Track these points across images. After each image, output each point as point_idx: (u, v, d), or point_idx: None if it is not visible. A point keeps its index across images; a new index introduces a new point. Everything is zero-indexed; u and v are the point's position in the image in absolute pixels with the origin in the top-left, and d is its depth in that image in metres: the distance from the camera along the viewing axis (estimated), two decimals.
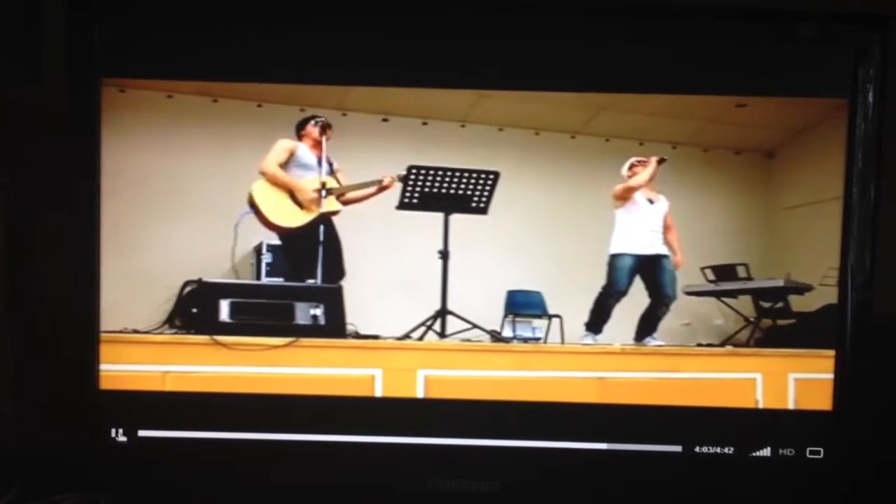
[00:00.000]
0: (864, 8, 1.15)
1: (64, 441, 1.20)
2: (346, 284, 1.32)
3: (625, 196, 1.41)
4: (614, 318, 1.40)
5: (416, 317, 1.34)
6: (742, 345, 1.33)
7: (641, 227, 1.43)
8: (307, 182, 1.40)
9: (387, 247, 1.35)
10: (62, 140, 1.17)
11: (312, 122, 1.32)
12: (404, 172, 1.34)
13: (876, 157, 1.16)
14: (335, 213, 1.38)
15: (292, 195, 1.40)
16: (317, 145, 1.37)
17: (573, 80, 1.19)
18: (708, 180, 1.37)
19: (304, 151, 1.39)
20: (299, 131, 1.33)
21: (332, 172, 1.39)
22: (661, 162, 1.35)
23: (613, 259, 1.40)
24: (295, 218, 1.40)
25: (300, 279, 1.38)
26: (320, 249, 1.37)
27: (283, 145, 1.36)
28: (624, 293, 1.43)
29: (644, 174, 1.37)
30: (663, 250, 1.43)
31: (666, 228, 1.40)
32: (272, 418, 1.20)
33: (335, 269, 1.35)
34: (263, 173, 1.34)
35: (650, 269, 1.44)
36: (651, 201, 1.42)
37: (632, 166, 1.35)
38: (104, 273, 1.18)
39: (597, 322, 1.39)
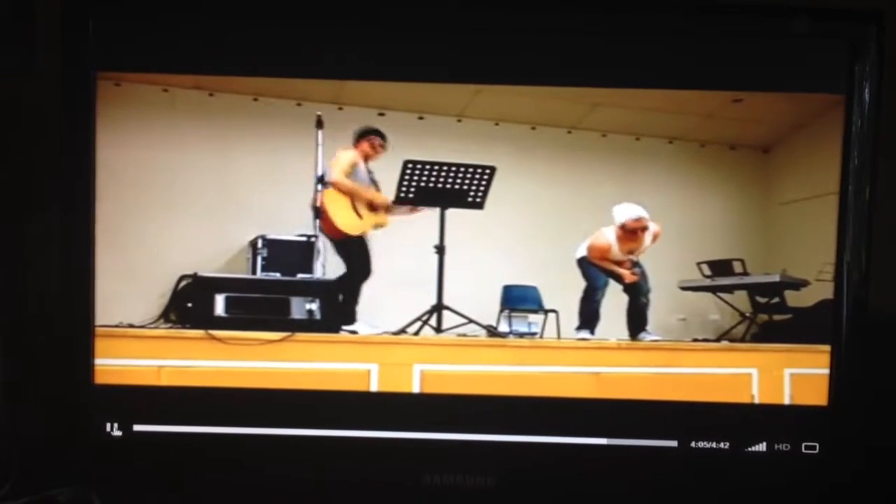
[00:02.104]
0: (860, 4, 1.15)
1: (59, 436, 1.20)
2: None
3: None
4: (609, 314, 1.41)
5: (412, 312, 1.34)
6: (738, 340, 1.33)
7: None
8: (366, 194, 1.41)
9: (383, 242, 1.35)
10: (57, 134, 1.16)
11: (368, 139, 1.32)
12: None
13: (872, 153, 1.16)
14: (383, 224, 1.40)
15: (353, 202, 1.41)
16: (366, 159, 1.38)
17: (570, 75, 1.19)
18: (704, 175, 1.37)
19: (362, 165, 1.40)
20: (355, 141, 1.33)
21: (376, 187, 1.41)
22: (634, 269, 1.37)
23: (582, 261, 1.41)
24: (356, 226, 1.41)
25: (355, 283, 1.39)
26: (318, 244, 1.39)
27: (348, 157, 1.38)
28: (606, 285, 1.43)
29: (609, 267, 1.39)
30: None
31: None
32: (268, 413, 1.20)
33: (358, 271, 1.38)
34: (333, 183, 1.37)
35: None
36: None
37: (623, 227, 1.35)
38: (99, 267, 1.18)
39: (588, 322, 1.40)
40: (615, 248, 1.41)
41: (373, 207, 1.41)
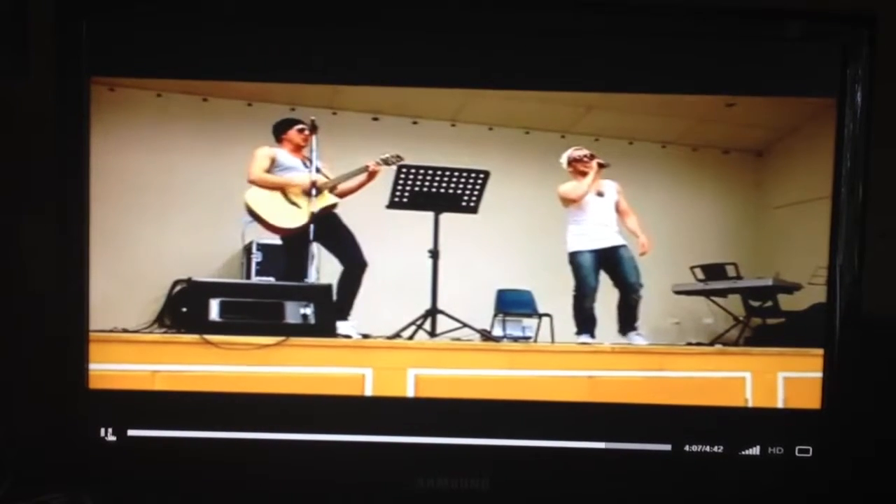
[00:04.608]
0: (852, 7, 1.15)
1: (53, 440, 1.20)
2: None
3: (567, 202, 1.42)
4: (603, 316, 1.41)
5: (406, 316, 1.34)
6: (731, 344, 1.33)
7: (590, 223, 1.44)
8: (298, 178, 1.40)
9: (377, 246, 1.35)
10: (51, 138, 1.16)
11: (296, 127, 1.32)
12: (388, 155, 1.34)
13: (864, 156, 1.16)
14: (333, 206, 1.37)
15: (285, 195, 1.40)
16: (297, 149, 1.38)
17: (563, 79, 1.19)
18: (697, 179, 1.38)
19: (285, 156, 1.38)
20: (278, 135, 1.33)
21: (317, 170, 1.39)
22: (602, 167, 1.36)
23: (573, 257, 1.41)
24: (296, 217, 1.40)
25: (298, 279, 1.38)
26: (311, 249, 1.38)
27: (265, 153, 1.35)
28: (595, 290, 1.44)
29: (581, 186, 1.39)
30: (618, 241, 1.43)
31: (622, 215, 1.41)
32: (262, 417, 1.20)
33: (354, 261, 1.35)
34: (253, 181, 1.35)
35: (609, 261, 1.45)
36: (600, 194, 1.42)
37: (570, 161, 1.36)
38: (93, 272, 1.18)
39: (585, 326, 1.40)
40: (575, 185, 1.41)
41: (310, 192, 1.40)
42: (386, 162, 1.34)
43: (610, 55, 1.18)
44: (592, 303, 1.42)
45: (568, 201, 1.41)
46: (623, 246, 1.43)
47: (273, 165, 1.38)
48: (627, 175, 1.35)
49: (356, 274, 1.35)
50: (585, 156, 1.36)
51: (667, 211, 1.34)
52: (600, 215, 1.43)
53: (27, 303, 1.31)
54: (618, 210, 1.41)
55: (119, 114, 1.19)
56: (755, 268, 1.28)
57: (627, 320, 1.38)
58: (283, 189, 1.40)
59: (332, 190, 1.39)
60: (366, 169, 1.38)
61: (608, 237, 1.45)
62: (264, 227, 1.37)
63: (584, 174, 1.39)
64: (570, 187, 1.40)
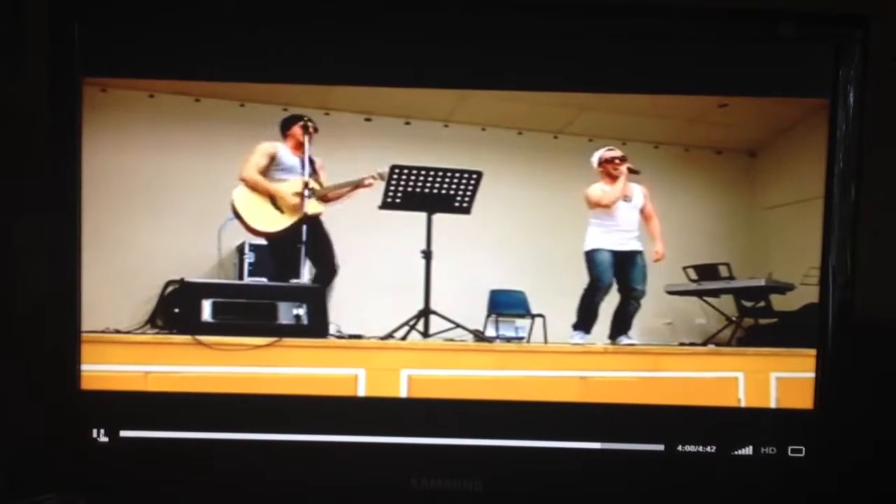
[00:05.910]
0: (845, 8, 1.15)
1: (45, 441, 1.20)
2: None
3: (595, 206, 1.42)
4: (601, 316, 1.41)
5: (399, 316, 1.34)
6: (724, 344, 1.33)
7: (614, 226, 1.44)
8: (288, 187, 1.40)
9: (370, 247, 1.35)
10: (44, 139, 1.16)
11: (300, 123, 1.32)
12: (385, 170, 1.34)
13: (856, 157, 1.16)
14: (318, 214, 1.38)
15: (273, 201, 1.40)
16: (299, 146, 1.37)
17: (556, 79, 1.19)
18: (690, 180, 1.38)
19: (286, 153, 1.38)
20: (284, 131, 1.33)
21: (314, 172, 1.39)
22: (632, 172, 1.36)
23: (591, 255, 1.41)
24: (276, 222, 1.40)
25: (285, 280, 1.38)
26: (303, 250, 1.38)
27: (264, 149, 1.36)
28: (609, 286, 1.44)
29: (613, 192, 1.39)
30: (637, 246, 1.43)
31: (646, 218, 1.41)
32: (255, 418, 1.20)
33: (327, 266, 1.35)
34: (244, 180, 1.34)
35: (624, 264, 1.45)
36: (627, 198, 1.43)
37: (602, 162, 1.36)
38: (86, 273, 1.18)
39: (585, 321, 1.40)
40: (606, 190, 1.41)
41: (302, 196, 1.39)
42: (381, 177, 1.35)
43: (603, 56, 1.18)
44: (602, 300, 1.42)
45: (597, 205, 1.41)
46: (640, 252, 1.43)
47: (272, 163, 1.38)
48: None
49: (328, 279, 1.35)
50: (617, 158, 1.36)
51: (660, 211, 1.35)
52: (625, 220, 1.44)
53: (20, 304, 1.31)
54: (643, 213, 1.42)
55: (112, 114, 1.19)
56: (748, 268, 1.28)
57: (621, 327, 1.38)
58: (271, 196, 1.40)
59: (321, 198, 1.38)
60: (360, 182, 1.38)
61: (629, 241, 1.45)
62: (244, 228, 1.37)
63: (613, 177, 1.40)
64: (601, 193, 1.41)
